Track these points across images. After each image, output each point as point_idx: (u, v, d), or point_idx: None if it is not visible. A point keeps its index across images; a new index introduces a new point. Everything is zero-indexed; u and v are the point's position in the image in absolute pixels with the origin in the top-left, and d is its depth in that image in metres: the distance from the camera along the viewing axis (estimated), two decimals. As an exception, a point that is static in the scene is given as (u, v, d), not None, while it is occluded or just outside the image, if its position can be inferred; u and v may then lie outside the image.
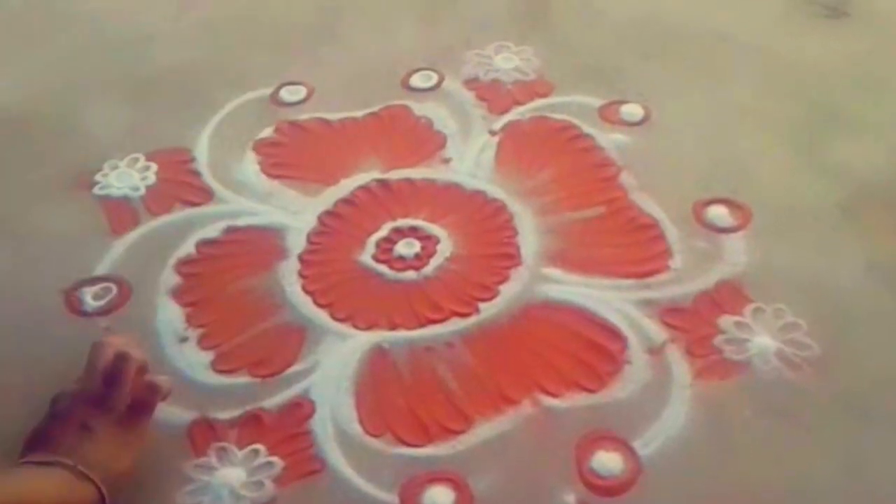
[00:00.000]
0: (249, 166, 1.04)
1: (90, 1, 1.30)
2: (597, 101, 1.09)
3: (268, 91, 1.15)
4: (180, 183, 1.02)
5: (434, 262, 0.92)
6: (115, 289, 0.91)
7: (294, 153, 1.06)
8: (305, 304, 0.89)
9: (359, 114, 1.11)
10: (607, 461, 0.75)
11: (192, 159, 1.05)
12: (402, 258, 0.92)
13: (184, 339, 0.86)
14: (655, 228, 0.94)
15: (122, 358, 0.75)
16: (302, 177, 1.03)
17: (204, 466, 0.76)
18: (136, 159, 1.05)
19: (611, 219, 0.95)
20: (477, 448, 0.77)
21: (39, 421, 0.73)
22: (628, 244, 0.93)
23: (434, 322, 0.86)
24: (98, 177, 1.03)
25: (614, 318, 0.85)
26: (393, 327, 0.86)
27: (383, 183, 1.01)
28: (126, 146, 1.06)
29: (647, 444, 0.76)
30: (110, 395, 0.73)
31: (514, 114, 1.09)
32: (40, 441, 0.71)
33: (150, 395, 0.76)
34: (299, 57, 1.20)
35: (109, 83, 1.16)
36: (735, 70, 1.13)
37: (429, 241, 0.94)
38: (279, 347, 0.85)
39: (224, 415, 0.80)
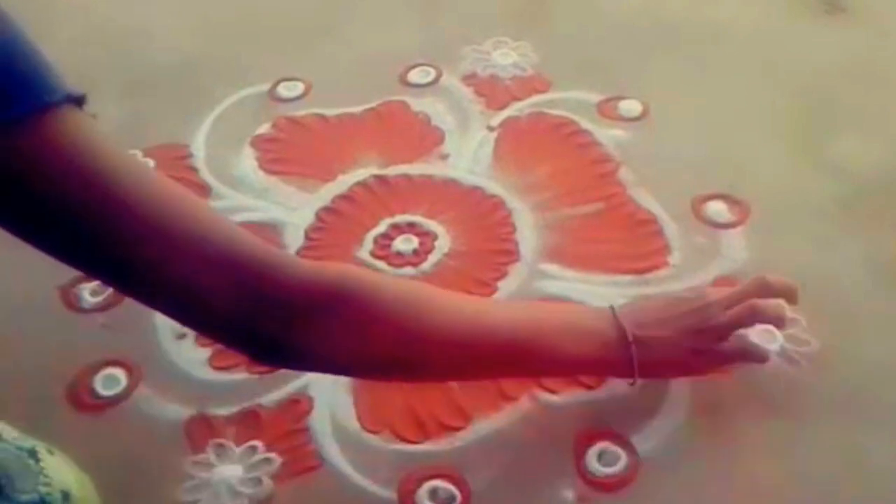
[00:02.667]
0: (247, 162, 1.04)
1: (87, -4, 1.30)
2: (595, 97, 1.09)
3: (265, 87, 1.14)
4: (178, 178, 1.00)
5: (432, 259, 0.92)
6: (112, 285, 0.91)
7: (292, 149, 1.06)
8: (303, 301, 0.89)
9: (357, 109, 1.10)
10: (606, 457, 0.75)
11: (190, 155, 1.05)
12: (400, 254, 0.92)
13: (181, 336, 0.86)
14: (654, 224, 0.93)
15: (755, 310, 0.75)
16: (299, 172, 1.02)
17: (202, 463, 0.76)
18: (134, 154, 1.05)
19: (609, 215, 0.95)
20: (475, 444, 0.77)
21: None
22: (627, 240, 0.93)
23: (432, 318, 0.86)
24: (95, 173, 1.03)
25: (613, 314, 0.85)
26: (391, 323, 0.86)
27: (381, 179, 1.01)
28: (123, 141, 1.04)
29: (646, 440, 0.76)
30: (716, 317, 0.74)
31: (513, 109, 1.09)
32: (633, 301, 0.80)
33: (741, 352, 0.76)
34: (297, 53, 1.20)
35: (107, 78, 1.16)
36: (733, 65, 1.13)
37: (427, 237, 0.94)
38: (277, 344, 0.85)
39: (222, 411, 0.80)
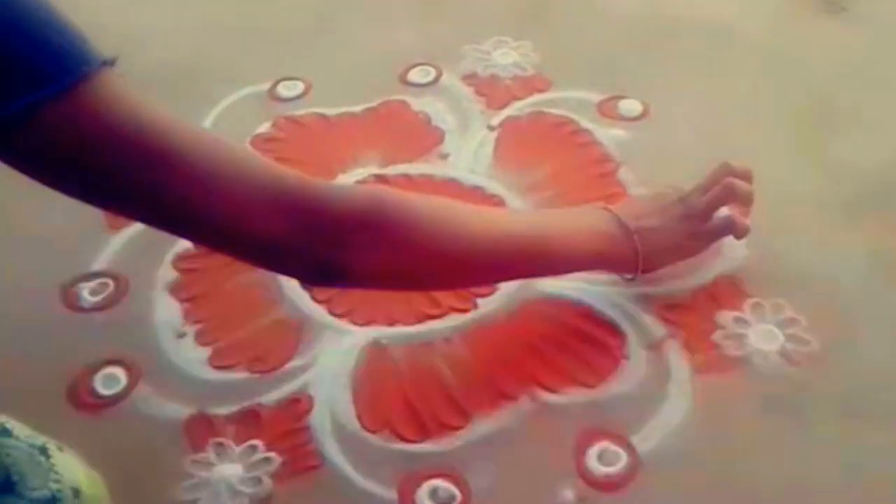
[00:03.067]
0: (247, 161, 1.04)
1: (87, -4, 1.30)
2: (595, 97, 1.09)
3: (265, 86, 1.14)
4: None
5: (432, 258, 0.91)
6: (112, 284, 0.91)
7: (292, 148, 1.06)
8: (303, 300, 0.89)
9: (357, 109, 1.10)
10: (606, 457, 0.75)
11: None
12: (400, 253, 0.92)
13: (181, 335, 0.86)
14: (654, 223, 0.93)
15: (729, 188, 0.84)
16: (300, 171, 1.02)
17: (202, 462, 0.76)
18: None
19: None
20: (475, 444, 0.77)
21: None
22: (627, 239, 0.92)
23: (432, 318, 0.86)
24: (95, 172, 1.03)
25: (613, 314, 0.85)
26: (391, 323, 0.86)
27: (381, 178, 1.01)
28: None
29: (646, 440, 0.76)
30: (699, 202, 0.84)
31: (513, 109, 1.09)
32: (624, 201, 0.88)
33: (726, 226, 0.85)
34: (297, 52, 1.20)
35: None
36: (734, 65, 1.13)
37: (427, 236, 0.93)
38: (277, 343, 0.85)
39: (222, 410, 0.80)
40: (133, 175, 0.60)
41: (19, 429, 0.62)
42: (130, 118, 0.58)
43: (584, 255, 0.81)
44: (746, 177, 0.86)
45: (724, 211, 0.85)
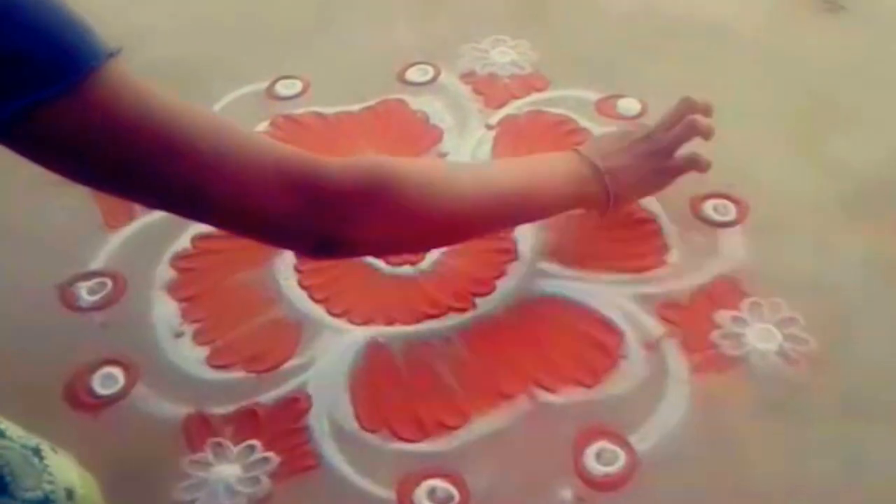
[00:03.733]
0: (245, 160, 1.04)
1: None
2: (594, 95, 1.09)
3: (263, 85, 1.14)
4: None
5: (431, 257, 0.91)
6: (110, 283, 0.91)
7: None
8: (301, 300, 0.89)
9: (355, 108, 1.10)
10: (604, 456, 0.75)
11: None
12: (398, 253, 0.92)
13: (179, 335, 0.86)
14: (652, 223, 0.93)
15: (691, 124, 0.88)
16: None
17: (199, 462, 0.76)
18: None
19: (608, 214, 0.95)
20: (474, 443, 0.77)
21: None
22: (625, 239, 0.92)
23: (431, 317, 0.86)
24: (93, 171, 1.02)
25: (611, 313, 0.85)
26: (390, 322, 0.86)
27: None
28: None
29: (644, 439, 0.76)
30: (663, 138, 0.88)
31: (511, 108, 1.09)
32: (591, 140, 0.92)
33: (690, 162, 0.89)
34: (295, 51, 1.20)
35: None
36: (732, 64, 1.13)
37: (425, 235, 0.93)
38: (275, 342, 0.85)
39: (220, 410, 0.80)
40: (144, 163, 0.62)
41: (12, 429, 0.62)
42: (139, 108, 0.60)
43: (561, 198, 0.85)
44: (707, 111, 0.89)
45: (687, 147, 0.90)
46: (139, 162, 0.62)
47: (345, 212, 0.69)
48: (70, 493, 0.61)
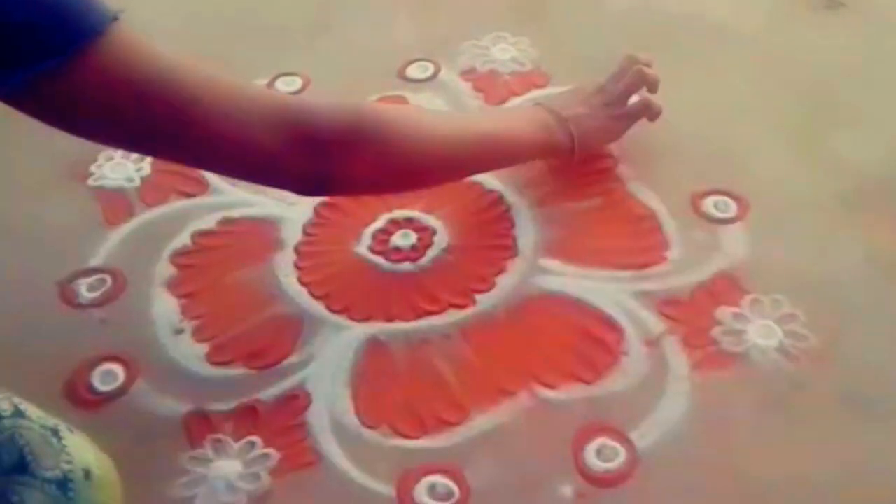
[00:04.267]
0: (245, 157, 1.04)
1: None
2: (594, 92, 1.09)
3: (263, 81, 1.14)
4: (175, 174, 1.01)
5: (430, 254, 0.91)
6: (109, 280, 0.91)
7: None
8: (301, 296, 0.88)
9: (355, 105, 1.10)
10: (604, 453, 0.75)
11: (188, 150, 1.04)
12: (398, 249, 0.92)
13: (179, 331, 0.86)
14: (653, 219, 0.93)
15: (639, 74, 0.96)
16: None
17: (200, 458, 0.76)
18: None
19: (608, 210, 0.95)
20: (474, 440, 0.76)
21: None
22: (626, 235, 0.92)
23: (431, 314, 0.86)
24: (93, 168, 1.03)
25: (611, 310, 0.85)
26: (389, 319, 0.86)
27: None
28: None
29: (645, 436, 0.76)
30: (615, 89, 0.96)
31: (511, 104, 1.08)
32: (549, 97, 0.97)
33: (643, 108, 0.96)
34: (295, 47, 1.20)
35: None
36: (732, 61, 1.12)
37: (425, 232, 0.93)
38: (275, 339, 0.85)
39: (220, 406, 0.79)
40: (149, 118, 0.67)
41: (31, 410, 0.62)
42: (142, 67, 0.65)
43: (531, 145, 0.91)
44: (649, 65, 0.97)
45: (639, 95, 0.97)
46: (144, 117, 0.66)
47: (335, 152, 0.74)
48: (88, 473, 0.61)
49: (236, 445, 0.77)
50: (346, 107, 0.77)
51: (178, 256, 0.93)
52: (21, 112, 0.65)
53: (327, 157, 0.74)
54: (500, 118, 0.94)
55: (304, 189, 0.78)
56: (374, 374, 0.82)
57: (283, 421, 0.78)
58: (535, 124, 0.91)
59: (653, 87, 0.97)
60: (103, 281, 0.91)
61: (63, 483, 0.59)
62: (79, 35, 0.61)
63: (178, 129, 0.68)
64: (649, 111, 0.96)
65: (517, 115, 0.94)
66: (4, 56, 0.60)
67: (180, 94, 0.67)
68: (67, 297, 0.90)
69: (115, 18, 0.64)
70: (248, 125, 0.70)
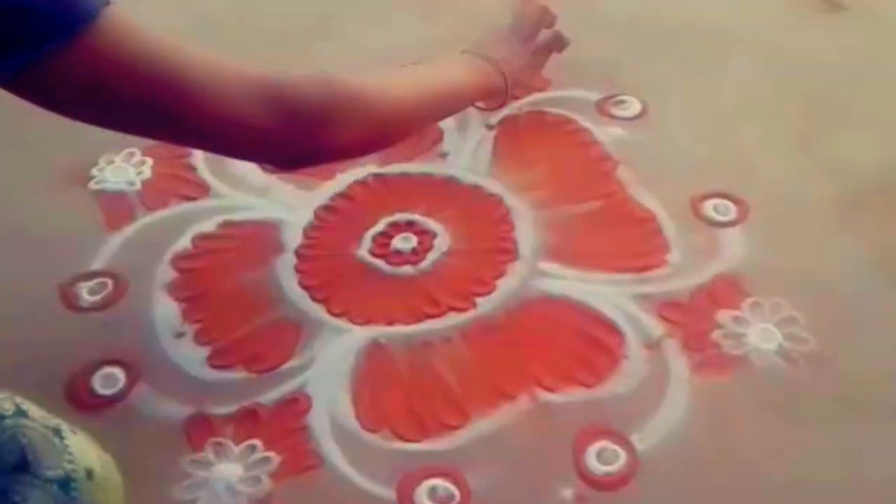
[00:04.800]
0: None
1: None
2: (594, 96, 1.09)
3: (264, 85, 1.14)
4: (176, 177, 1.02)
5: (431, 257, 0.91)
6: (110, 284, 0.91)
7: (290, 147, 1.06)
8: (302, 299, 0.89)
9: (355, 108, 1.10)
10: (605, 456, 0.75)
11: (188, 154, 1.04)
12: (399, 253, 0.92)
13: (180, 335, 0.86)
14: (653, 223, 0.93)
15: (541, 9, 1.06)
16: (298, 171, 1.02)
17: (200, 462, 0.76)
18: (132, 154, 1.04)
19: (608, 213, 0.95)
20: (474, 443, 0.77)
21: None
22: (626, 238, 0.93)
23: (431, 317, 0.86)
24: (94, 171, 1.03)
25: (612, 313, 0.85)
26: (390, 322, 0.86)
27: (380, 177, 1.01)
28: (121, 141, 1.05)
29: (645, 439, 0.76)
30: (525, 26, 1.05)
31: (511, 108, 1.08)
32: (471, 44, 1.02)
33: (555, 39, 1.07)
34: (295, 52, 1.20)
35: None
36: (733, 64, 1.12)
37: (426, 235, 0.94)
38: (276, 342, 0.85)
39: (220, 410, 0.79)
40: (143, 99, 0.69)
41: (34, 409, 0.62)
42: (135, 50, 0.68)
43: (474, 91, 0.98)
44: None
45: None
46: (138, 96, 0.68)
47: (318, 124, 0.77)
48: (90, 473, 0.61)
49: (237, 449, 0.77)
50: (320, 80, 0.78)
51: (179, 260, 0.93)
52: (16, 95, 0.66)
53: (312, 129, 0.77)
54: (443, 71, 0.98)
55: (291, 161, 0.81)
56: (374, 378, 0.82)
57: (283, 424, 0.78)
58: (473, 71, 0.98)
59: (552, 21, 1.07)
60: (104, 284, 0.91)
61: (65, 483, 0.59)
62: (75, 19, 0.63)
63: (169, 107, 0.70)
64: (560, 42, 1.07)
65: (456, 66, 0.99)
66: (1, 41, 0.61)
67: (170, 73, 0.69)
68: (68, 300, 0.90)
69: (108, 2, 0.66)
70: (237, 100, 0.72)
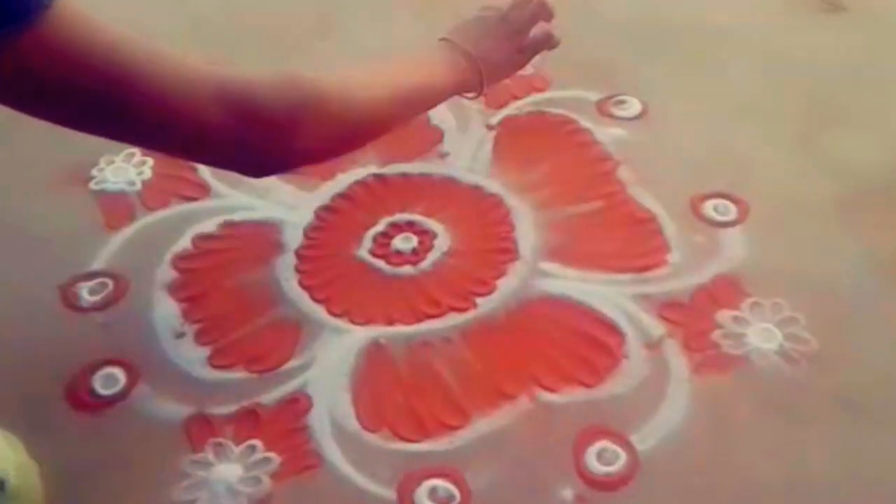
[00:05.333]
0: (246, 161, 1.04)
1: (86, -5, 1.30)
2: (594, 96, 1.09)
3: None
4: (176, 178, 1.02)
5: (431, 257, 0.91)
6: (111, 284, 0.91)
7: (291, 148, 1.06)
8: (302, 300, 0.89)
9: (355, 108, 1.10)
10: (605, 456, 0.75)
11: (189, 154, 1.04)
12: (399, 253, 0.92)
13: (180, 335, 0.86)
14: (653, 223, 0.93)
15: (541, 4, 0.99)
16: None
17: (200, 462, 0.76)
18: (132, 154, 1.05)
19: (608, 213, 0.95)
20: (474, 443, 0.77)
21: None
22: (626, 238, 0.93)
23: (431, 317, 0.86)
24: (94, 171, 1.03)
25: (612, 313, 0.85)
26: (390, 322, 0.86)
27: (380, 177, 1.01)
28: (122, 141, 1.06)
29: (645, 439, 0.76)
30: (518, 19, 0.98)
31: (512, 108, 1.09)
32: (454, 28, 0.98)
33: (545, 39, 1.00)
34: (296, 52, 1.20)
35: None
36: (732, 64, 1.13)
37: (426, 235, 0.94)
38: (276, 343, 0.85)
39: (221, 410, 0.79)
40: (96, 94, 0.65)
41: None
42: (88, 41, 0.64)
43: (446, 89, 0.93)
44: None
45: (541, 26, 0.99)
46: (90, 91, 0.65)
47: (276, 127, 0.73)
48: (2, 484, 0.60)
49: (237, 449, 0.77)
50: (286, 82, 0.75)
51: (180, 260, 0.93)
52: None
53: (274, 133, 0.73)
54: (416, 68, 0.93)
55: (254, 167, 0.78)
56: (374, 378, 0.82)
57: (284, 424, 0.78)
58: (448, 67, 0.93)
59: (550, 18, 1.01)
60: (105, 285, 0.91)
61: None
62: (26, 9, 0.60)
63: (123, 103, 0.66)
64: (550, 42, 1.00)
65: (431, 62, 0.94)
66: None
67: (125, 68, 0.66)
68: (69, 300, 0.90)
69: None
70: (193, 98, 0.69)
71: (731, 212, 0.94)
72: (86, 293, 0.90)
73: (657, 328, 0.84)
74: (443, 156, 1.03)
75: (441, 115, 1.08)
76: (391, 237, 0.94)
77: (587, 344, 0.83)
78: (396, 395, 0.80)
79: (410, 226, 0.95)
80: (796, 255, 0.89)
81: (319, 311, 0.87)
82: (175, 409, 0.80)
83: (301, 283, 0.90)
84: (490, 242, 0.93)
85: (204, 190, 1.00)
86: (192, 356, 0.84)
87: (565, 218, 0.95)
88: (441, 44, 0.96)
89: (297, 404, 0.80)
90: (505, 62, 0.98)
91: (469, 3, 1.25)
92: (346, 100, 0.80)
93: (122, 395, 0.81)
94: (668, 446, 0.75)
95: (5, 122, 0.97)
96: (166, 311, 0.88)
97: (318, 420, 0.79)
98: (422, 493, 0.73)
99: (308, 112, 0.75)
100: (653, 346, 0.82)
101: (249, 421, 0.79)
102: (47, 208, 0.99)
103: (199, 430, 0.78)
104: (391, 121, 0.89)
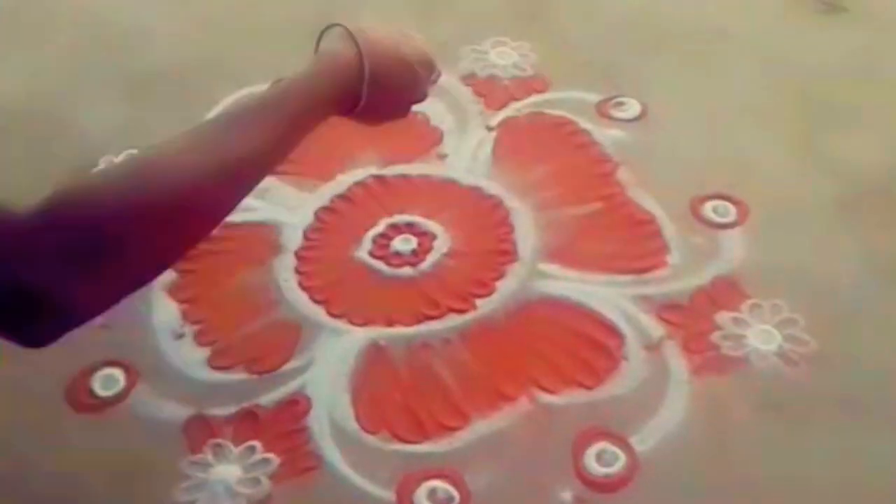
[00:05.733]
0: (246, 162, 1.04)
1: (86, -3, 1.30)
2: (594, 97, 1.09)
3: (265, 86, 1.14)
4: (176, 179, 1.02)
5: (431, 259, 0.91)
6: (110, 285, 0.91)
7: (290, 149, 1.06)
8: (301, 301, 0.89)
9: (355, 109, 1.10)
10: (604, 457, 0.75)
11: (189, 155, 1.04)
12: (398, 254, 0.92)
13: (180, 336, 0.86)
14: (653, 224, 0.93)
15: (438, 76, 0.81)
16: (298, 172, 1.02)
17: (200, 463, 0.76)
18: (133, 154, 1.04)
19: (608, 215, 0.95)
20: (474, 445, 0.77)
21: None
22: (626, 240, 0.93)
23: (431, 319, 0.86)
24: (94, 172, 1.03)
25: (611, 315, 0.85)
26: (390, 324, 0.86)
27: (380, 179, 1.01)
28: (122, 142, 1.06)
29: (645, 440, 0.76)
30: (427, 84, 0.81)
31: (511, 109, 1.09)
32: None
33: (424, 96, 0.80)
34: (296, 51, 1.19)
35: (106, 80, 1.16)
36: (732, 66, 1.13)
37: (425, 237, 0.94)
38: (275, 344, 0.85)
39: (220, 411, 0.80)
40: None
41: None
42: None
43: (315, 123, 0.76)
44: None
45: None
46: None
47: (56, 262, 0.57)
48: None
49: (236, 450, 0.77)
50: (52, 210, 0.59)
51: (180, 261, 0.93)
52: None
53: (57, 272, 0.58)
54: (293, 113, 0.74)
55: (27, 323, 0.60)
56: (374, 379, 0.82)
57: (283, 426, 0.78)
58: (333, 98, 0.77)
59: (437, 77, 0.83)
60: (104, 286, 0.91)
61: None
62: None
63: None
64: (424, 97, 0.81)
65: (317, 101, 0.77)
66: None
67: None
68: (68, 301, 0.90)
69: None
70: None
71: (731, 213, 0.94)
72: (85, 294, 0.90)
73: (657, 330, 0.84)
74: (442, 157, 1.03)
75: (441, 116, 1.08)
76: (391, 238, 0.93)
77: (587, 345, 0.83)
78: (396, 396, 0.80)
79: (410, 227, 0.95)
80: (796, 256, 0.89)
81: (319, 313, 0.87)
82: (174, 410, 0.80)
83: (300, 285, 0.90)
84: (489, 244, 0.93)
85: (204, 191, 1.00)
86: (191, 357, 0.84)
87: (565, 219, 0.95)
88: (354, 59, 0.80)
89: (297, 405, 0.80)
90: (388, 113, 0.81)
91: (469, 4, 1.26)
92: (150, 196, 0.61)
93: (122, 396, 0.81)
94: (668, 447, 0.75)
95: (6, 122, 0.98)
96: (166, 312, 0.88)
97: (318, 421, 0.79)
98: (421, 494, 0.73)
99: (98, 255, 0.58)
100: (652, 347, 0.82)
101: (249, 422, 0.79)
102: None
103: (199, 430, 0.78)
104: (241, 187, 0.70)
